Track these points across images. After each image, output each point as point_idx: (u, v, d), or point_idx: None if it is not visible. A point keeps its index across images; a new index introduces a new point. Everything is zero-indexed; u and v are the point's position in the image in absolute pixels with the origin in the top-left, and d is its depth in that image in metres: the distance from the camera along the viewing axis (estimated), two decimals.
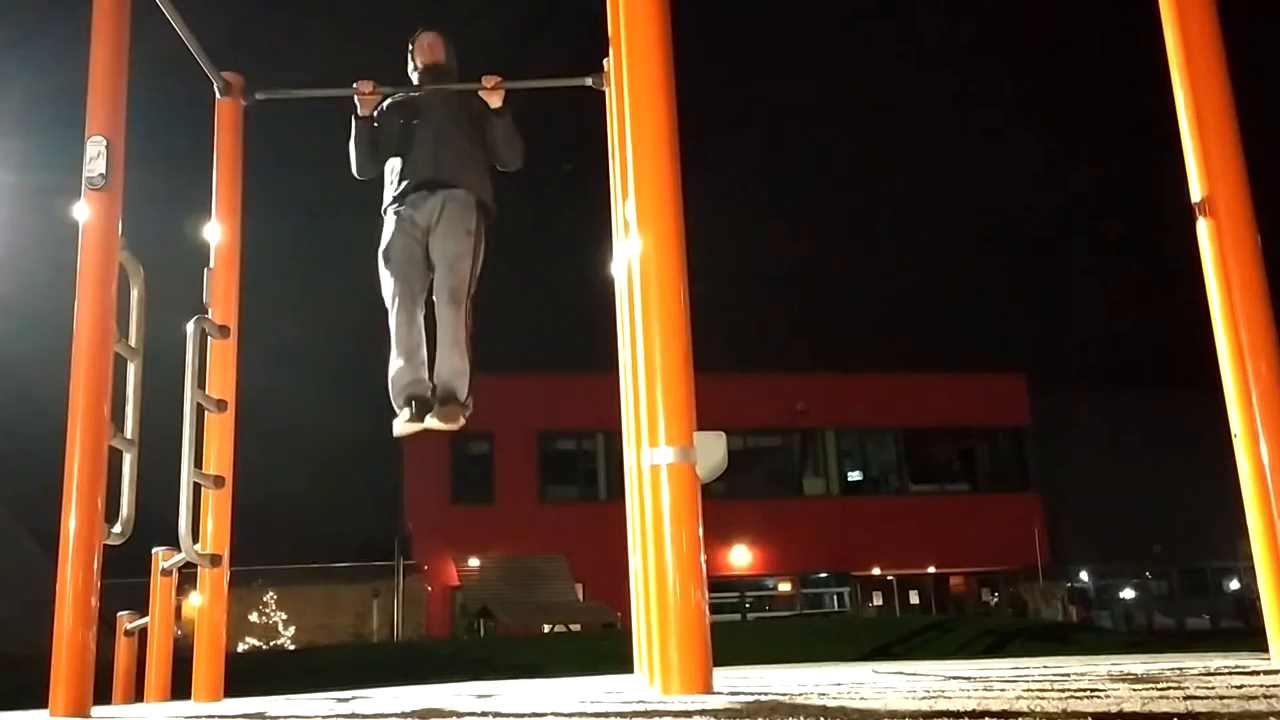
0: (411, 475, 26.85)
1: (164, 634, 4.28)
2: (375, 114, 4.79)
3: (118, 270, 3.55)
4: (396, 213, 4.62)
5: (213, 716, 3.01)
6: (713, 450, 3.01)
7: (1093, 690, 2.47)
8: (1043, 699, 2.18)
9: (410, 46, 4.92)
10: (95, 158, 3.44)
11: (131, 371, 3.85)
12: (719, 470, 3.02)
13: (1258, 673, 3.05)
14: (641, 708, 2.44)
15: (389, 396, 4.53)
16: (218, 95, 4.70)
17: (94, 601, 3.24)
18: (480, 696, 3.54)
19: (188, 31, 4.34)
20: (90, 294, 3.41)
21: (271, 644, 20.24)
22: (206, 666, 4.30)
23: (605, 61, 4.58)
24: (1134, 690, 2.42)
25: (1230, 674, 3.03)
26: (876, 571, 29.22)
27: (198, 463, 4.22)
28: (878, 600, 29.69)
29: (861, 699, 2.42)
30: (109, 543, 3.54)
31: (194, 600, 4.38)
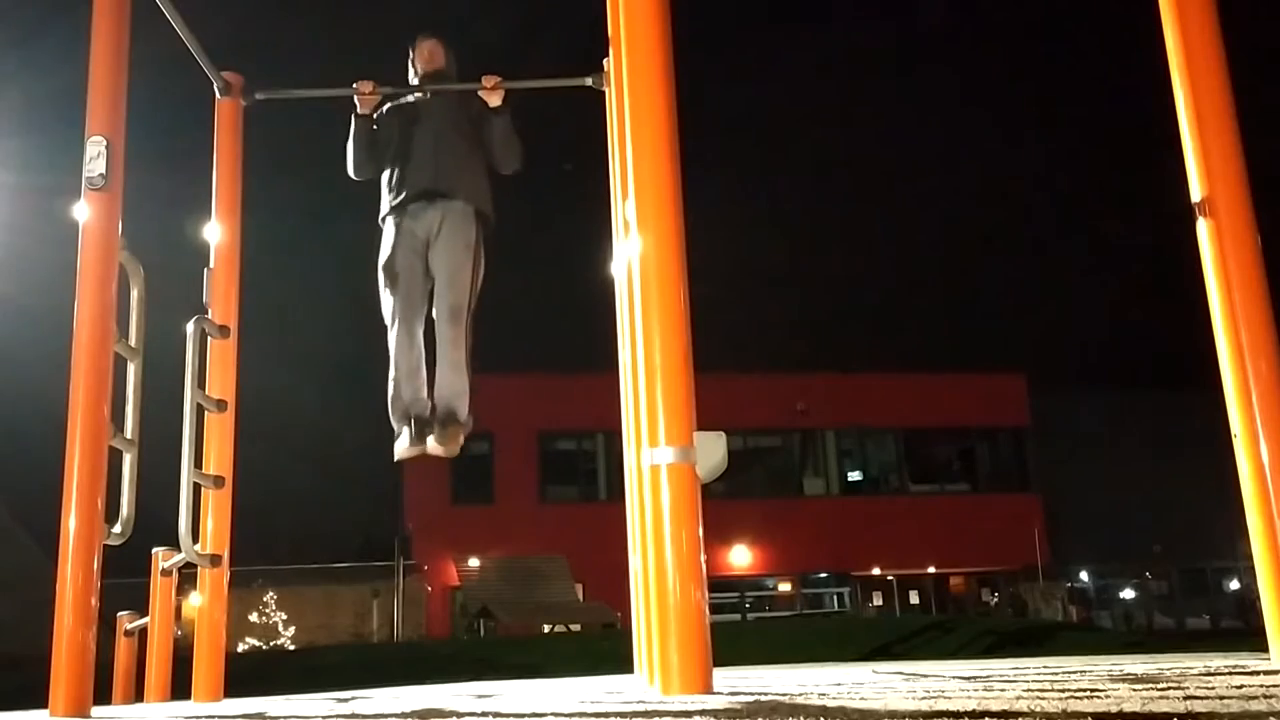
0: (411, 475, 26.84)
1: (164, 634, 4.28)
2: (375, 116, 4.78)
3: (118, 270, 3.55)
4: (396, 223, 4.57)
5: (213, 717, 3.01)
6: (713, 450, 3.01)
7: (1093, 690, 2.47)
8: (1043, 699, 2.18)
9: (411, 53, 4.88)
10: (95, 158, 3.44)
11: (131, 371, 3.85)
12: (719, 470, 3.02)
13: (1258, 673, 3.05)
14: (641, 708, 2.44)
15: (388, 414, 4.47)
16: (218, 95, 4.70)
17: (94, 601, 3.24)
18: (480, 696, 3.54)
19: (188, 31, 4.34)
20: (90, 294, 3.41)
21: (271, 644, 20.24)
22: (206, 666, 4.30)
23: (605, 61, 4.58)
24: (1134, 690, 2.42)
25: (1230, 674, 3.03)
26: (876, 571, 29.22)
27: (198, 463, 4.22)
28: (878, 600, 29.69)
29: (861, 699, 2.42)
30: (109, 543, 3.54)
31: (194, 600, 4.38)
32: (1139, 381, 34.67)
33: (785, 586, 29.90)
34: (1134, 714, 1.83)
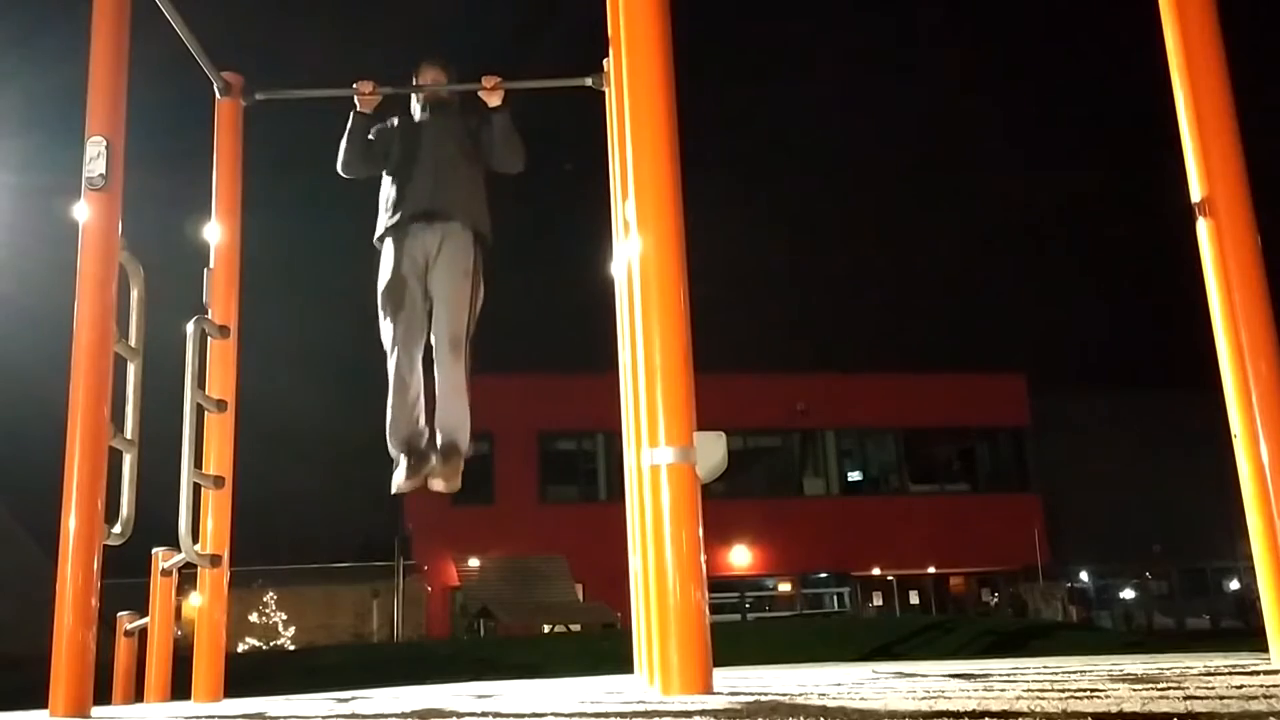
0: None
1: (164, 634, 4.28)
2: (375, 130, 4.72)
3: (118, 270, 3.55)
4: (394, 246, 4.49)
5: (213, 717, 3.01)
6: (713, 450, 3.01)
7: (1093, 690, 2.47)
8: (1043, 699, 2.18)
9: (414, 80, 4.81)
10: (95, 158, 3.44)
11: (131, 371, 3.85)
12: (719, 470, 3.02)
13: (1258, 673, 3.05)
14: (641, 708, 2.44)
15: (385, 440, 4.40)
16: (218, 95, 4.70)
17: (94, 601, 3.24)
18: (480, 697, 3.54)
19: (188, 32, 4.34)
20: (90, 294, 3.41)
21: (271, 644, 20.24)
22: (206, 667, 4.30)
23: (605, 61, 4.58)
24: (1134, 690, 2.42)
25: (1230, 674, 3.03)
26: (876, 571, 29.23)
27: (198, 463, 4.22)
28: (878, 600, 29.70)
29: (861, 699, 2.42)
30: (109, 543, 3.54)
31: (194, 600, 4.38)
32: (1139, 381, 34.67)
33: (785, 586, 29.91)
34: (1134, 714, 1.83)
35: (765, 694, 2.74)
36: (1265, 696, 2.14)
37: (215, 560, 4.32)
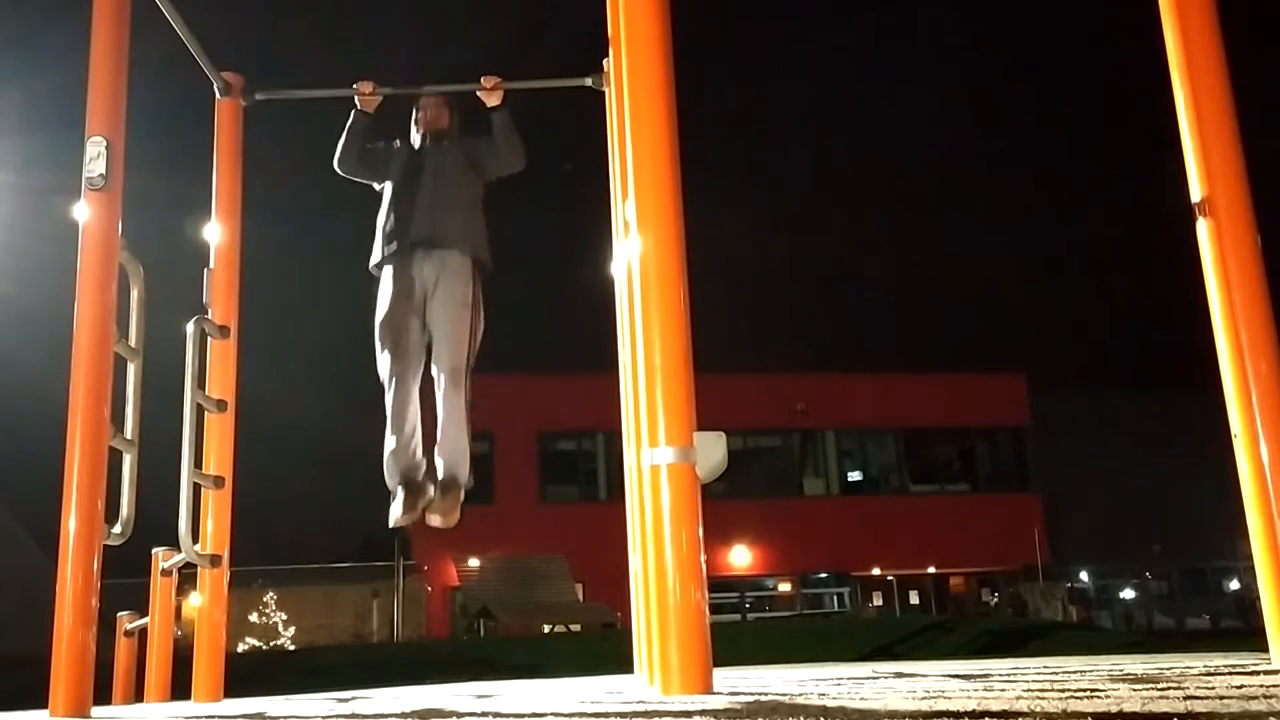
0: None
1: (164, 634, 4.28)
2: (377, 141, 4.68)
3: (118, 270, 3.55)
4: (392, 275, 4.41)
5: (213, 717, 3.01)
6: (713, 450, 3.01)
7: (1093, 690, 2.47)
8: (1043, 699, 2.18)
9: (414, 112, 4.75)
10: (95, 158, 3.44)
11: (131, 371, 3.85)
12: (719, 470, 3.02)
13: (1258, 673, 3.05)
14: (641, 708, 2.44)
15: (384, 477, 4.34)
16: (218, 95, 4.70)
17: (94, 601, 3.24)
18: (480, 697, 3.54)
19: (188, 32, 4.34)
20: (90, 294, 3.41)
21: (271, 644, 20.24)
22: (206, 667, 4.30)
23: (605, 61, 4.58)
24: (1134, 690, 2.42)
25: (1230, 674, 3.03)
26: (876, 571, 29.22)
27: (198, 463, 4.22)
28: (878, 600, 29.69)
29: (861, 699, 2.42)
30: (109, 543, 3.54)
31: (194, 600, 4.38)
32: (1139, 381, 34.69)
33: (785, 586, 29.90)
34: (1134, 714, 1.83)
35: (765, 694, 2.74)
36: (1265, 696, 2.14)
37: (215, 560, 4.32)
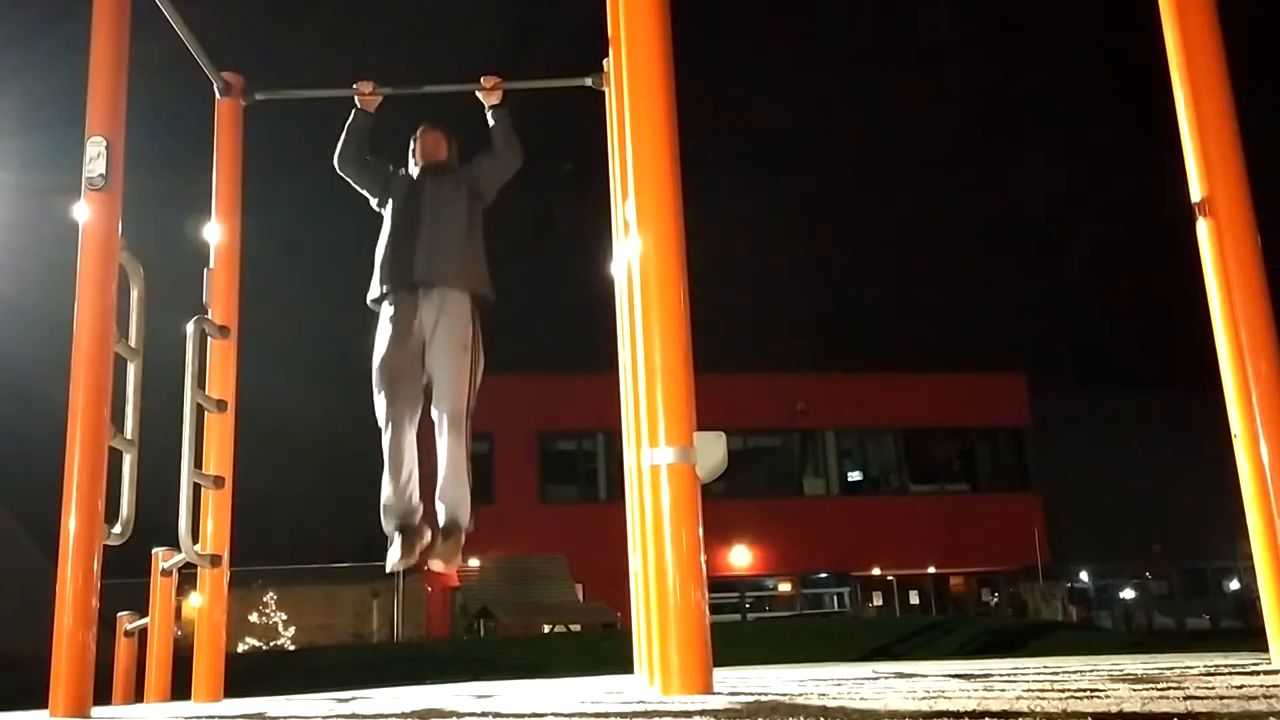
0: None
1: (164, 634, 4.28)
2: (379, 157, 4.65)
3: (118, 270, 3.55)
4: (391, 314, 4.35)
5: (213, 717, 3.01)
6: (713, 450, 3.01)
7: (1093, 690, 2.47)
8: (1043, 699, 2.18)
9: (412, 143, 4.70)
10: (95, 158, 3.44)
11: (131, 371, 3.85)
12: (719, 470, 3.02)
13: (1258, 673, 3.05)
14: (641, 708, 2.44)
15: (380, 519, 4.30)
16: (218, 95, 4.70)
17: (94, 601, 3.25)
18: (480, 697, 3.54)
19: (188, 32, 4.34)
20: (90, 294, 3.41)
21: (271, 644, 20.25)
22: (206, 667, 4.30)
23: (605, 61, 4.58)
24: (1134, 690, 2.42)
25: (1230, 674, 3.03)
26: (876, 571, 29.22)
27: (198, 463, 4.22)
28: (878, 600, 29.68)
29: (861, 699, 2.42)
30: (109, 543, 3.54)
31: (194, 600, 4.38)
32: (1139, 381, 34.69)
33: (785, 586, 29.89)
34: (1134, 714, 1.83)
35: (765, 694, 2.74)
36: (1265, 696, 2.14)
37: (215, 560, 4.32)
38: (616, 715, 2.25)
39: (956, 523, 28.57)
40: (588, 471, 28.57)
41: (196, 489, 4.19)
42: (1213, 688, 2.44)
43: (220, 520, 4.40)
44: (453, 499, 4.22)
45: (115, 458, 3.64)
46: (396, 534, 4.16)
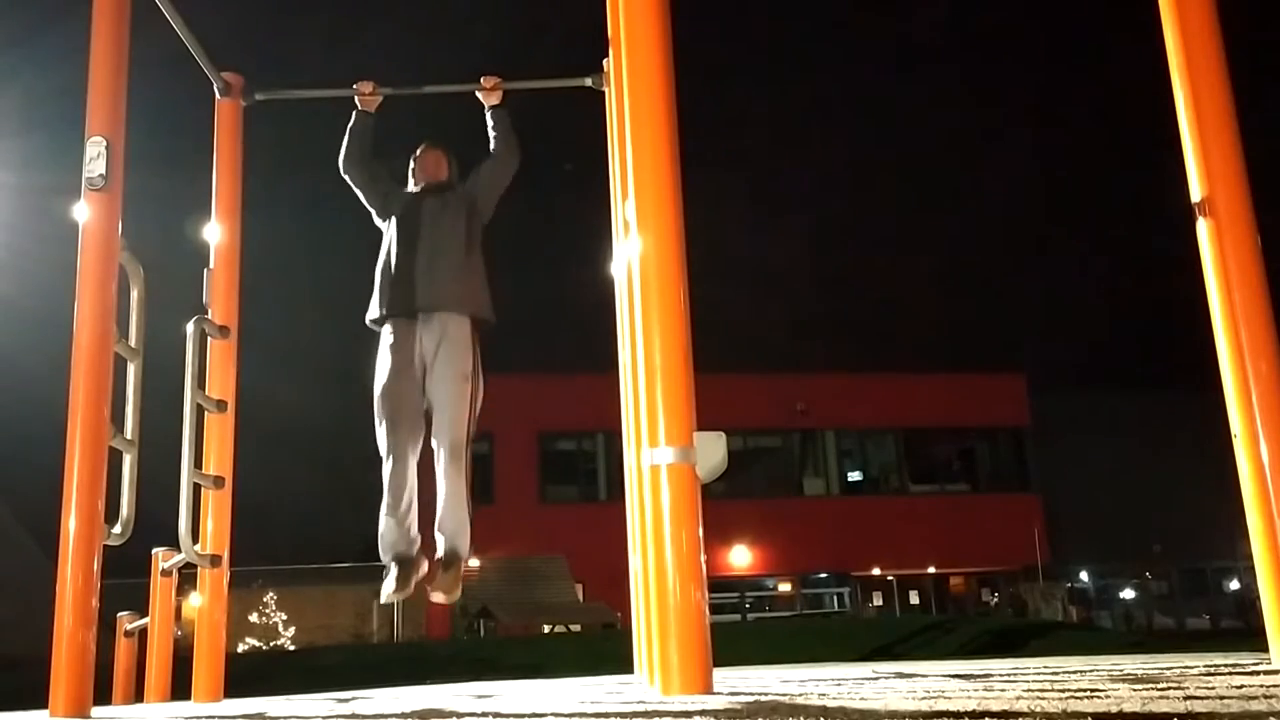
0: None
1: (164, 634, 4.28)
2: (383, 164, 4.62)
3: (118, 270, 3.55)
4: (390, 340, 4.31)
5: (213, 717, 3.01)
6: (713, 450, 3.01)
7: (1093, 690, 2.47)
8: (1043, 699, 2.18)
9: (412, 162, 4.66)
10: (95, 158, 3.44)
11: (131, 371, 3.85)
12: (719, 470, 3.02)
13: (1258, 673, 3.05)
14: (641, 708, 2.44)
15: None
16: (218, 95, 4.70)
17: (94, 602, 3.24)
18: (480, 697, 3.54)
19: (188, 32, 4.34)
20: (90, 294, 3.41)
21: (271, 644, 20.25)
22: (206, 667, 4.30)
23: (605, 61, 4.58)
24: (1134, 690, 2.42)
25: (1230, 674, 3.03)
26: (876, 571, 29.23)
27: (198, 463, 4.22)
28: (878, 600, 29.69)
29: (861, 699, 2.42)
30: (109, 543, 3.54)
31: (194, 601, 4.38)
32: (1139, 381, 34.70)
33: (785, 586, 29.90)
34: (1134, 714, 1.83)
35: (765, 694, 2.74)
36: (1265, 696, 2.14)
37: (215, 560, 4.32)
38: (616, 715, 2.26)
39: (956, 523, 28.58)
40: (588, 471, 28.58)
41: (196, 489, 4.19)
42: (1213, 688, 2.44)
43: (220, 520, 4.40)
44: (452, 529, 4.19)
45: (115, 458, 3.64)
46: (393, 565, 4.13)
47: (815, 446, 30.24)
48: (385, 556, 4.18)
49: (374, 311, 4.39)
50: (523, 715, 2.36)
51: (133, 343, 3.86)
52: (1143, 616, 32.95)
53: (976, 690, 2.61)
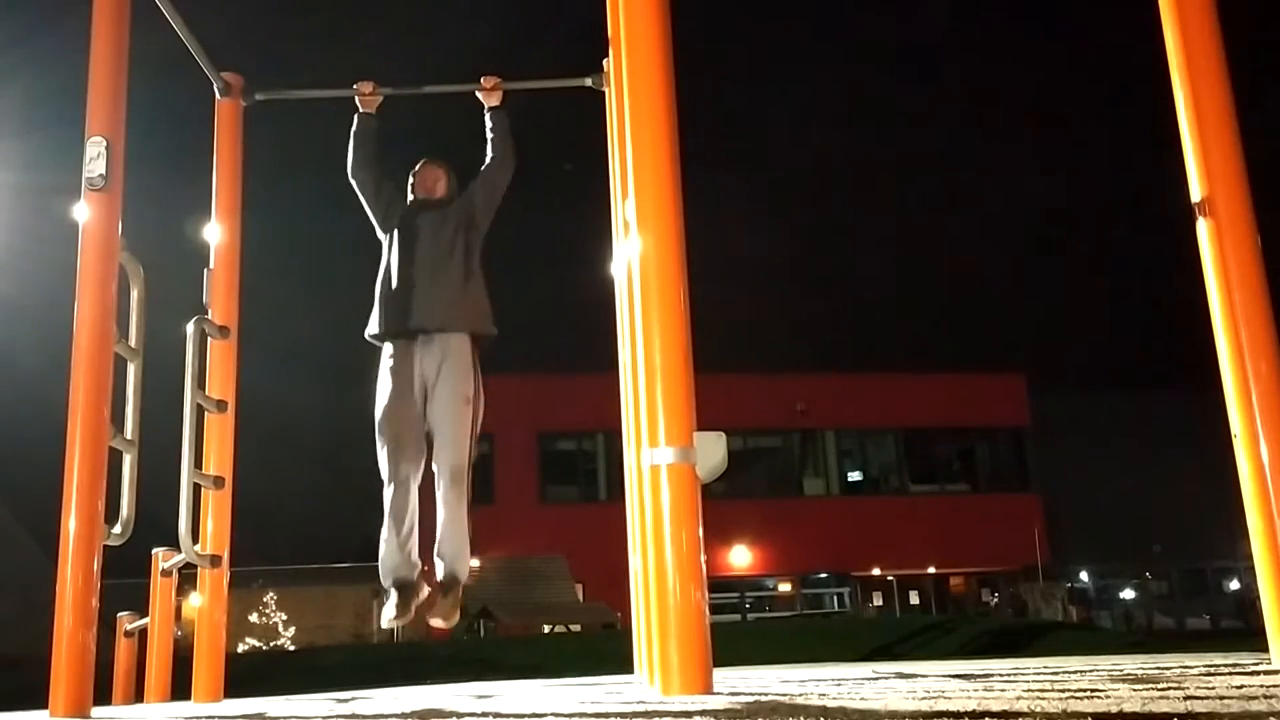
0: None
1: (164, 635, 4.28)
2: (388, 176, 4.59)
3: (118, 270, 3.55)
4: (391, 370, 4.28)
5: (213, 717, 3.01)
6: (713, 450, 3.01)
7: (1093, 690, 2.47)
8: (1043, 699, 2.18)
9: (411, 178, 4.63)
10: (95, 158, 3.44)
11: (131, 372, 3.85)
12: (719, 470, 3.02)
13: (1258, 673, 3.05)
14: (641, 708, 2.44)
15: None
16: (218, 96, 4.69)
17: (94, 602, 3.24)
18: (480, 697, 3.54)
19: (188, 32, 4.33)
20: (90, 294, 3.41)
21: (271, 644, 20.25)
22: (206, 667, 4.30)
23: (605, 61, 4.58)
24: (1134, 690, 2.42)
25: (1230, 674, 3.03)
26: (876, 571, 29.23)
27: (198, 463, 4.22)
28: (878, 600, 29.69)
29: (861, 699, 2.42)
30: (109, 543, 3.54)
31: (194, 601, 4.38)
32: (1139, 381, 34.71)
33: (785, 586, 29.90)
34: (1134, 714, 1.83)
35: (765, 694, 2.74)
36: (1265, 696, 2.14)
37: (215, 560, 4.32)
38: (616, 715, 2.26)
39: (956, 523, 28.58)
40: (588, 471, 28.58)
41: (196, 489, 4.19)
42: (1213, 688, 2.44)
43: (220, 520, 4.40)
44: (451, 554, 4.18)
45: (115, 458, 3.64)
46: (394, 590, 4.12)
47: (815, 446, 30.24)
48: (386, 581, 4.15)
49: (373, 328, 4.36)
50: (523, 715, 2.36)
51: (133, 343, 3.86)
52: (1143, 616, 32.96)
53: (976, 690, 2.61)
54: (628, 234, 3.65)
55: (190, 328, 4.28)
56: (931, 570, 29.37)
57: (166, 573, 4.30)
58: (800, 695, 2.64)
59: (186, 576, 4.46)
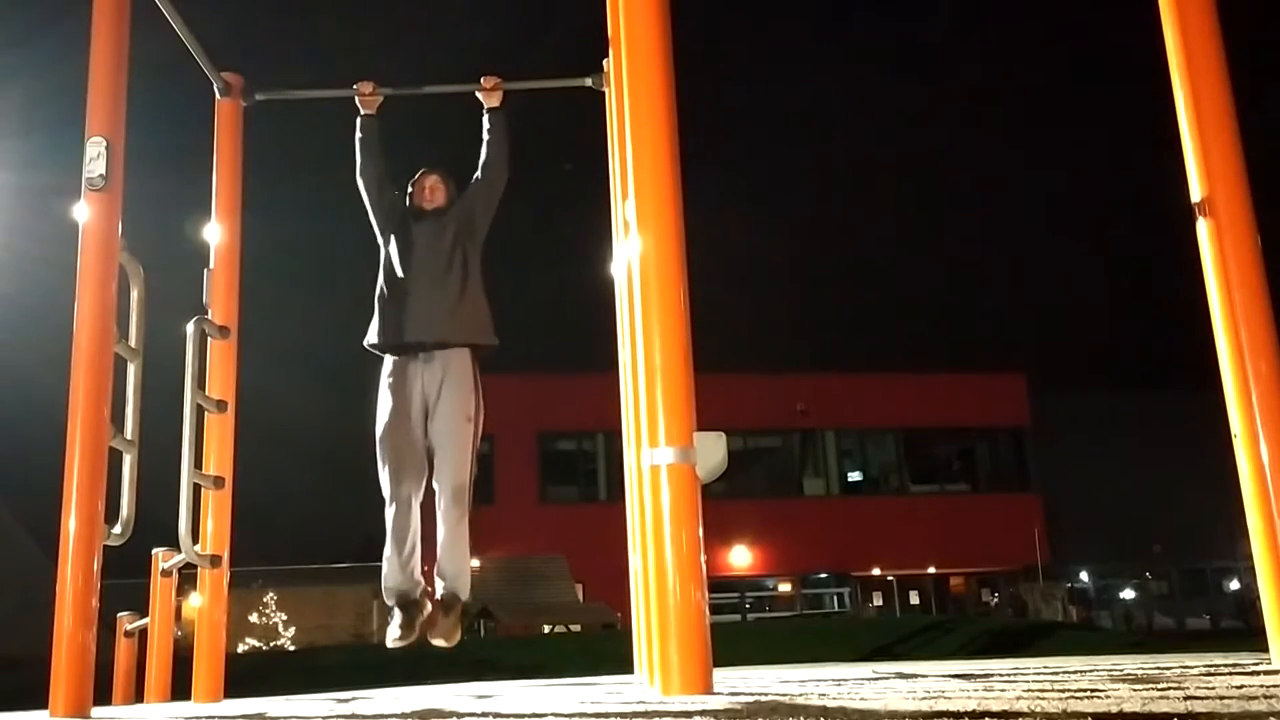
0: None
1: (164, 635, 4.28)
2: (391, 181, 4.57)
3: (118, 270, 3.55)
4: (391, 388, 4.25)
5: (213, 717, 3.01)
6: (713, 450, 3.01)
7: (1093, 690, 2.47)
8: (1043, 699, 2.18)
9: (410, 187, 4.59)
10: (95, 158, 3.44)
11: (131, 372, 3.85)
12: (719, 470, 3.02)
13: (1258, 673, 3.05)
14: (641, 708, 2.44)
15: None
16: (218, 96, 4.70)
17: (94, 602, 3.24)
18: (480, 697, 3.54)
19: (188, 32, 4.34)
20: (90, 294, 3.41)
21: (271, 644, 20.25)
22: (206, 667, 4.30)
23: (605, 62, 4.58)
24: (1134, 690, 2.42)
25: (1230, 674, 3.03)
26: (876, 572, 29.23)
27: (198, 463, 4.22)
28: (878, 600, 29.69)
29: (861, 699, 2.42)
30: (109, 543, 3.54)
31: (194, 601, 4.38)
32: (1139, 381, 34.71)
33: (785, 587, 29.90)
34: (1134, 714, 1.83)
35: (765, 694, 2.74)
36: (1265, 696, 2.14)
37: (215, 560, 4.32)
38: (616, 715, 2.26)
39: (956, 523, 28.58)
40: (588, 471, 28.58)
41: (196, 489, 4.19)
42: (1213, 688, 2.44)
43: (220, 520, 4.40)
44: (452, 572, 4.17)
45: (115, 458, 3.64)
46: (397, 610, 4.11)
47: (815, 446, 30.24)
48: (389, 600, 4.14)
49: (372, 337, 4.33)
50: (523, 715, 2.36)
51: (133, 343, 3.86)
52: (1143, 616, 32.96)
53: (976, 690, 2.61)
54: (628, 234, 3.65)
55: (190, 328, 4.28)
56: (931, 570, 29.37)
57: (166, 573, 4.30)
58: (800, 695, 2.64)
59: (186, 576, 4.46)
